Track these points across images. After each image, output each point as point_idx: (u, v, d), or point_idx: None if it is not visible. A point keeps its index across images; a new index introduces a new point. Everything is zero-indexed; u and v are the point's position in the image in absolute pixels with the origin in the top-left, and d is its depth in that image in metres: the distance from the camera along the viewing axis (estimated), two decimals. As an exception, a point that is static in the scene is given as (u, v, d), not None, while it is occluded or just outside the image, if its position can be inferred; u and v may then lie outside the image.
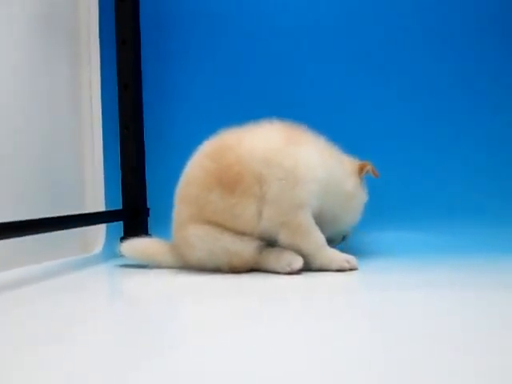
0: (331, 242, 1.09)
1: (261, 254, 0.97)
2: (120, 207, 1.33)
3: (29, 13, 1.21)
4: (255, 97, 1.38)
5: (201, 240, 0.97)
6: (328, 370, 0.46)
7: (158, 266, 1.04)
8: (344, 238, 1.14)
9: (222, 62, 1.41)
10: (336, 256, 0.97)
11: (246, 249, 0.96)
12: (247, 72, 1.40)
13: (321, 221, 0.99)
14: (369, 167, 1.09)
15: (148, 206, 1.36)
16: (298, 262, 0.94)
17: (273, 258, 0.96)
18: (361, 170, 1.09)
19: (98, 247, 1.36)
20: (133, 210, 1.32)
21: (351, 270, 0.96)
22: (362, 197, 1.09)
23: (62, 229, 1.11)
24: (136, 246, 1.08)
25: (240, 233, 0.96)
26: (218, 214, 0.96)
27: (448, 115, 1.33)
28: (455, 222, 1.28)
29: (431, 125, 1.34)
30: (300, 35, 1.38)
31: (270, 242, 0.98)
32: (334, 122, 1.26)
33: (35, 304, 0.79)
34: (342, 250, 1.00)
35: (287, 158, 0.95)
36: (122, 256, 1.09)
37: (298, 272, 0.94)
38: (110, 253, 1.20)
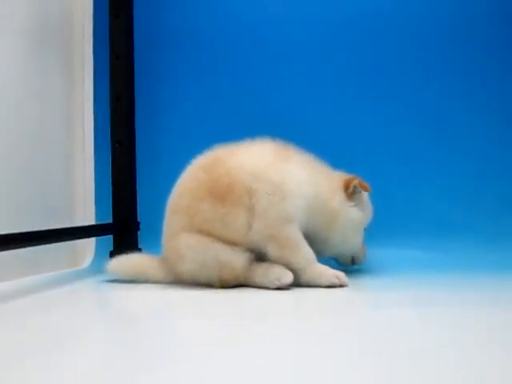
0: (341, 265, 1.11)
1: (250, 267, 0.97)
2: (110, 221, 1.33)
3: (23, 26, 1.22)
4: (246, 114, 1.39)
5: (192, 250, 0.97)
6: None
7: (147, 282, 1.04)
8: (353, 259, 1.11)
9: (214, 79, 1.42)
10: (325, 272, 0.97)
11: (236, 259, 0.96)
12: (239, 87, 1.41)
13: (315, 240, 1.01)
14: (355, 181, 1.05)
15: (138, 220, 1.35)
16: (288, 277, 0.94)
17: (262, 272, 0.96)
18: (346, 185, 1.05)
19: (87, 261, 1.36)
20: (123, 224, 1.31)
21: (341, 286, 0.96)
22: (352, 216, 1.05)
23: (51, 242, 1.10)
24: (123, 264, 1.07)
25: (231, 242, 0.97)
26: (208, 222, 0.98)
27: (439, 134, 1.35)
28: (448, 240, 1.28)
29: (423, 143, 1.36)
30: (290, 52, 1.40)
31: (260, 256, 0.99)
32: (327, 141, 1.27)
33: (22, 318, 0.78)
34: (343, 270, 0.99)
35: (275, 173, 0.97)
36: (109, 273, 1.08)
37: (288, 287, 0.94)
38: (99, 267, 1.19)
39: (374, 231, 1.28)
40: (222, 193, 0.97)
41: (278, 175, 0.97)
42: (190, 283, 1.00)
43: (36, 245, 1.05)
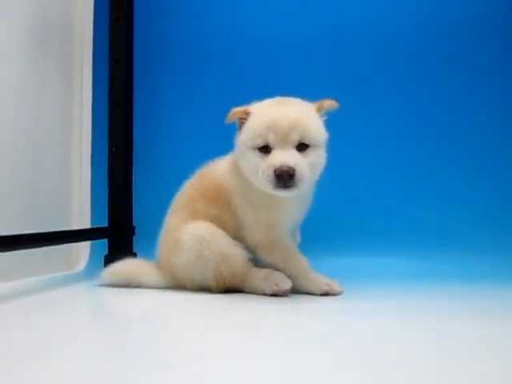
0: None
1: (251, 271, 0.98)
2: (106, 225, 1.32)
3: (23, 30, 1.22)
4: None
5: (191, 236, 0.97)
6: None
7: (141, 287, 1.04)
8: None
9: (213, 84, 1.43)
10: (317, 280, 0.97)
11: (236, 253, 0.97)
12: (237, 93, 1.41)
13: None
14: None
15: (134, 225, 1.35)
16: (287, 284, 0.95)
17: (262, 276, 0.97)
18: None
19: (82, 265, 1.35)
20: (118, 228, 1.31)
21: (334, 294, 0.96)
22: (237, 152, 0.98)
23: (46, 245, 1.10)
24: (117, 272, 1.07)
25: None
26: (207, 220, 1.00)
27: (425, 141, 1.36)
28: (433, 249, 1.30)
29: (409, 152, 1.36)
30: (286, 59, 1.40)
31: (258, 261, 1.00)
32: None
33: (14, 320, 0.78)
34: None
35: (243, 184, 0.97)
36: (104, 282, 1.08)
37: (285, 294, 0.95)
38: (93, 270, 1.19)
39: (367, 240, 1.29)
40: (211, 197, 1.01)
41: (244, 185, 0.97)
42: (184, 288, 1.00)
43: (31, 247, 1.05)
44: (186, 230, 0.99)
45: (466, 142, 1.35)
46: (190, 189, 1.06)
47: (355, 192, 1.23)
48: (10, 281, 1.10)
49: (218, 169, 1.04)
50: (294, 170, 0.86)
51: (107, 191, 1.32)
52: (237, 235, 0.99)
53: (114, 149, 1.32)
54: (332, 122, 1.36)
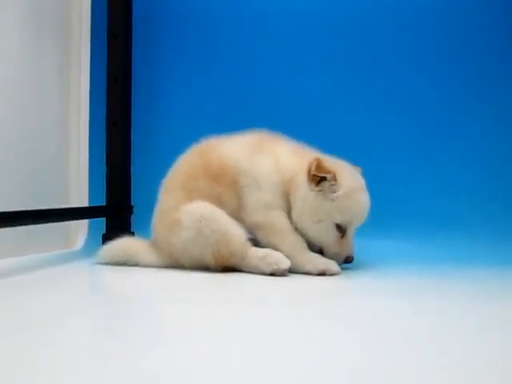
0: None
1: (250, 250, 0.97)
2: (104, 203, 1.32)
3: (19, 5, 1.20)
4: (243, 99, 1.38)
5: (190, 215, 0.97)
6: (305, 373, 0.46)
7: (138, 265, 1.04)
8: (321, 250, 1.02)
9: (213, 62, 1.41)
10: (314, 259, 0.97)
11: (235, 231, 0.96)
12: (236, 73, 1.40)
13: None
14: (313, 162, 0.97)
15: (132, 204, 1.34)
16: (286, 263, 0.94)
17: (261, 255, 0.96)
18: (308, 167, 0.98)
19: (80, 243, 1.35)
20: (116, 207, 1.30)
21: (332, 274, 0.96)
22: (308, 199, 0.97)
23: (43, 222, 1.10)
24: (113, 250, 1.06)
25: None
26: (206, 198, 0.99)
27: (434, 133, 1.35)
28: (436, 233, 1.29)
29: (417, 138, 1.35)
30: (288, 49, 1.39)
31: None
32: (322, 133, 1.27)
33: (10, 297, 0.78)
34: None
35: (251, 166, 1.01)
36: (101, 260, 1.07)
37: (284, 274, 0.94)
38: (91, 249, 1.19)
39: (368, 223, 1.29)
40: (216, 174, 1.02)
41: (252, 168, 1.01)
42: (181, 267, 1.00)
43: (28, 224, 1.04)
44: (185, 210, 0.98)
45: (471, 128, 1.33)
46: (186, 166, 1.05)
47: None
48: (8, 258, 1.09)
49: (225, 148, 1.04)
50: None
51: (105, 169, 1.31)
52: (237, 216, 0.99)
53: (112, 126, 1.31)
54: (343, 105, 1.36)
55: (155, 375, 0.45)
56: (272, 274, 0.94)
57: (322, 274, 0.96)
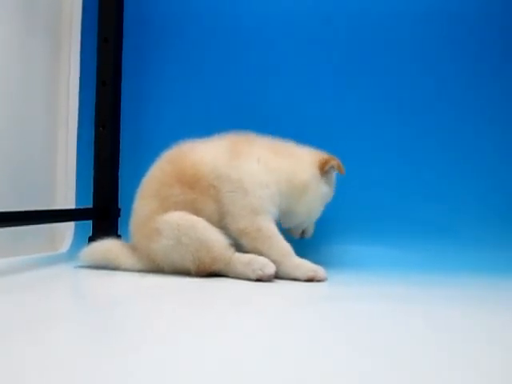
0: (289, 233, 1.13)
1: (234, 256, 0.97)
2: (91, 206, 1.31)
3: (9, 5, 1.19)
4: (232, 101, 1.37)
5: (168, 225, 0.97)
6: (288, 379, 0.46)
7: (118, 269, 1.03)
8: (303, 232, 1.14)
9: (203, 66, 1.40)
10: (302, 265, 0.97)
11: (215, 238, 0.96)
12: (226, 75, 1.39)
13: (280, 212, 1.04)
14: (334, 162, 1.07)
15: (119, 207, 1.34)
16: (271, 268, 0.94)
17: (246, 261, 0.96)
18: (323, 164, 1.07)
19: (66, 246, 1.34)
20: (103, 210, 1.29)
21: (319, 280, 0.96)
22: (321, 190, 1.07)
23: (29, 224, 1.09)
24: (95, 251, 1.06)
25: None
26: (181, 205, 0.99)
27: (424, 139, 1.34)
28: (424, 239, 1.29)
29: (405, 146, 1.35)
30: (278, 46, 1.37)
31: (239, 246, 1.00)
32: (314, 133, 1.27)
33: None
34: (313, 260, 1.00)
35: (233, 171, 1.00)
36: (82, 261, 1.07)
37: (269, 280, 0.94)
38: (77, 252, 1.17)
39: (355, 229, 1.29)
40: (189, 181, 1.01)
41: (235, 172, 1.00)
42: (166, 272, 0.99)
43: (13, 225, 1.03)
44: (162, 220, 0.98)
45: (465, 131, 1.33)
46: (159, 173, 1.05)
47: (346, 183, 1.21)
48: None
49: (199, 154, 1.03)
50: None
51: (93, 172, 1.30)
52: (216, 222, 0.99)
53: (101, 129, 1.30)
54: (336, 105, 1.36)
55: (140, 378, 0.45)
56: (258, 280, 0.94)
57: (310, 280, 0.96)
